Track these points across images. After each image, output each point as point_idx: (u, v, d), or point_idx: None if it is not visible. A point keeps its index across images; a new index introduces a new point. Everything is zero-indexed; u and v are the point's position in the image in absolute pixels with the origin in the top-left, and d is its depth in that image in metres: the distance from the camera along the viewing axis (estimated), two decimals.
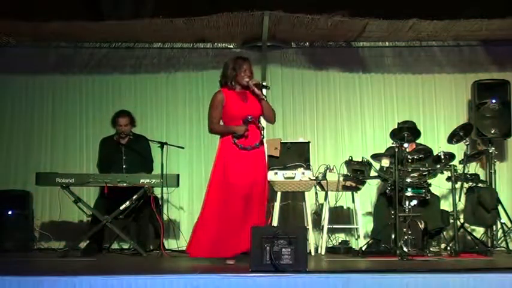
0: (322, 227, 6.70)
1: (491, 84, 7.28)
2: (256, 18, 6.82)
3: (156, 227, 6.50)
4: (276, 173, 6.58)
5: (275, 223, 6.36)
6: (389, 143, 6.48)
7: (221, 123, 5.38)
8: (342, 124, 7.69)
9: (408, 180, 6.08)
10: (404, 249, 5.79)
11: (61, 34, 7.33)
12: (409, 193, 6.02)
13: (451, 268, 4.76)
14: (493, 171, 7.16)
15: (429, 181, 6.36)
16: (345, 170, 6.50)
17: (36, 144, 7.63)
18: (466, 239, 6.99)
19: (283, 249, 4.30)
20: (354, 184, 6.56)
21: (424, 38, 7.53)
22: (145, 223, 6.63)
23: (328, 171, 6.54)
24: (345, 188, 6.62)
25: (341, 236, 7.21)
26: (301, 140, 7.08)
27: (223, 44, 7.76)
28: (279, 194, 6.58)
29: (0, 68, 7.59)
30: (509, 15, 6.67)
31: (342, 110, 7.71)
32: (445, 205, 6.84)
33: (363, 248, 6.22)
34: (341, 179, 6.48)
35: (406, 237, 5.87)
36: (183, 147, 6.96)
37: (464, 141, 6.61)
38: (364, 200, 7.15)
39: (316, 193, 6.75)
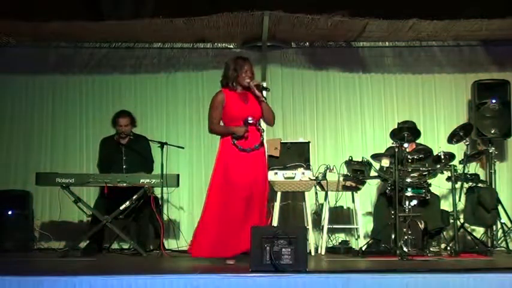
0: (322, 227, 6.70)
1: (491, 84, 7.28)
2: (256, 18, 6.82)
3: (156, 227, 6.50)
4: (276, 173, 6.58)
5: (275, 223, 6.36)
6: (389, 143, 6.48)
7: (221, 123, 5.38)
8: (342, 124, 7.69)
9: (408, 180, 6.08)
10: (404, 249, 5.79)
11: (61, 34, 7.33)
12: (409, 193, 6.02)
13: (451, 268, 4.76)
14: (493, 171, 7.16)
15: (429, 181, 6.36)
16: (345, 170, 6.50)
17: (36, 144, 7.63)
18: (466, 239, 6.99)
19: (283, 249, 4.30)
20: (354, 184, 6.56)
21: (424, 38, 7.53)
22: (145, 223, 6.63)
23: (328, 171, 6.54)
24: (345, 188, 6.62)
25: (341, 236, 7.21)
26: (301, 140, 7.08)
27: (223, 44, 7.76)
28: (279, 194, 6.59)
29: (0, 68, 7.59)
30: (509, 15, 6.67)
31: (342, 110, 7.71)
32: (445, 205, 6.84)
33: (363, 248, 6.21)
34: (341, 179, 6.48)
35: (406, 237, 5.87)
36: (183, 147, 6.97)
37: (464, 141, 6.61)
38: (364, 200, 7.15)
39: (316, 193, 6.75)
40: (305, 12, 6.70)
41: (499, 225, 6.87)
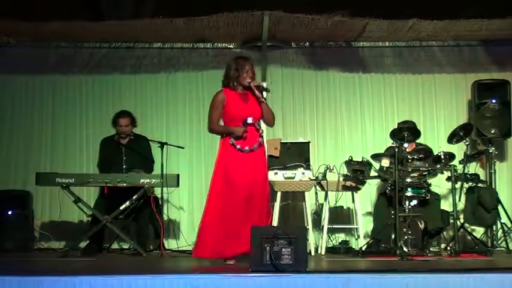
0: (322, 227, 6.70)
1: (491, 84, 7.28)
2: (256, 18, 6.82)
3: (156, 227, 6.50)
4: (276, 173, 6.58)
5: (275, 223, 6.36)
6: (389, 143, 6.48)
7: (222, 123, 5.38)
8: (342, 124, 7.69)
9: (408, 180, 6.08)
10: (404, 249, 5.79)
11: (61, 34, 7.33)
12: (409, 193, 6.02)
13: (451, 268, 4.76)
14: (493, 171, 7.16)
15: (429, 181, 6.36)
16: (345, 170, 6.50)
17: (36, 144, 7.63)
18: (466, 239, 6.99)
19: (283, 249, 4.30)
20: (354, 184, 6.56)
21: (424, 38, 7.53)
22: (145, 223, 6.63)
23: (328, 171, 6.54)
24: (345, 188, 6.62)
25: (341, 236, 7.21)
26: (301, 140, 7.08)
27: (223, 44, 7.76)
28: (279, 194, 6.59)
29: (0, 68, 7.59)
30: (509, 15, 6.67)
31: (342, 110, 7.71)
32: (445, 205, 6.84)
33: (363, 248, 6.21)
34: (341, 179, 6.48)
35: (406, 237, 5.87)
36: (183, 147, 6.97)
37: (464, 141, 6.61)
38: (364, 200, 7.15)
39: (316, 193, 6.75)
40: (305, 12, 6.70)
41: (499, 225, 6.87)
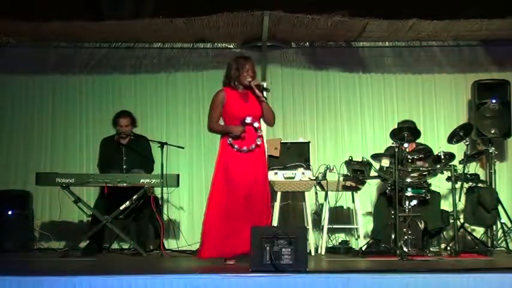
0: (322, 227, 6.70)
1: (491, 84, 7.28)
2: (256, 18, 6.82)
3: (156, 227, 6.50)
4: (276, 173, 6.58)
5: (275, 223, 6.36)
6: (389, 143, 6.48)
7: (222, 122, 5.39)
8: (342, 124, 7.69)
9: (408, 180, 6.08)
10: (404, 249, 5.79)
11: (61, 34, 7.33)
12: (409, 193, 6.02)
13: (451, 268, 4.76)
14: (493, 171, 7.16)
15: (429, 181, 6.36)
16: (345, 170, 6.50)
17: (36, 144, 7.63)
18: (466, 239, 7.00)
19: (283, 249, 4.30)
20: (354, 184, 6.56)
21: (424, 38, 7.53)
22: (145, 223, 6.63)
23: (328, 171, 6.54)
24: (345, 188, 6.62)
25: (341, 236, 7.21)
26: (301, 140, 7.08)
27: (223, 44, 7.76)
28: (279, 194, 6.59)
29: (0, 68, 7.59)
30: (509, 15, 6.67)
31: (342, 110, 7.71)
32: (445, 205, 6.84)
33: (363, 248, 6.21)
34: (341, 179, 6.48)
35: (406, 237, 5.87)
36: (183, 147, 6.97)
37: (464, 141, 6.60)
38: (364, 200, 7.15)
39: (316, 193, 6.75)
40: (305, 12, 6.70)
41: (499, 225, 6.87)
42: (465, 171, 6.58)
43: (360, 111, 7.69)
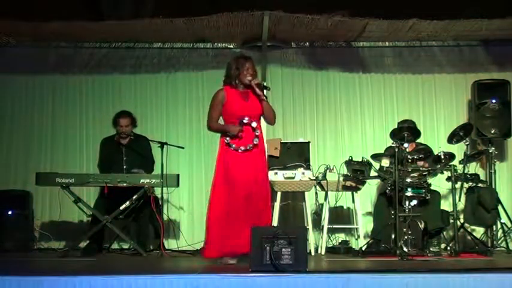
0: (322, 227, 6.70)
1: (491, 84, 7.28)
2: (256, 18, 6.81)
3: (156, 227, 6.50)
4: (276, 173, 6.58)
5: (275, 223, 6.36)
6: (389, 143, 6.47)
7: (222, 121, 5.39)
8: (342, 124, 7.69)
9: (408, 180, 6.08)
10: (404, 249, 5.79)
11: (61, 34, 7.33)
12: (409, 193, 6.02)
13: (451, 268, 4.76)
14: (493, 171, 7.16)
15: (429, 181, 6.36)
16: (345, 170, 6.50)
17: (36, 144, 7.63)
18: (466, 239, 6.99)
19: (283, 249, 4.29)
20: (354, 184, 6.56)
21: (424, 38, 7.53)
22: (145, 223, 6.63)
23: (328, 171, 6.54)
24: (345, 188, 6.62)
25: (341, 236, 7.21)
26: (301, 140, 7.08)
27: (223, 44, 7.76)
28: (279, 194, 6.59)
29: (0, 68, 7.59)
30: (509, 15, 6.67)
31: (342, 110, 7.71)
32: (445, 205, 6.84)
33: (363, 248, 6.21)
34: (341, 179, 6.48)
35: (406, 237, 5.87)
36: (183, 147, 6.97)
37: (464, 141, 6.61)
38: (364, 200, 7.15)
39: (316, 193, 6.75)
40: (305, 12, 6.70)
41: (499, 225, 6.88)
42: (465, 171, 6.58)
43: (360, 111, 7.69)
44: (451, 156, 6.32)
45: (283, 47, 7.67)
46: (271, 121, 5.48)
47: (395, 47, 7.76)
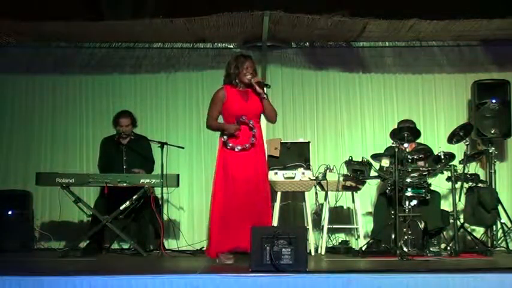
0: (322, 227, 6.70)
1: (491, 84, 7.28)
2: (256, 18, 6.81)
3: (156, 227, 6.49)
4: (276, 173, 6.58)
5: (275, 223, 6.36)
6: (390, 143, 6.47)
7: (222, 120, 5.39)
8: (342, 124, 7.69)
9: (408, 180, 6.08)
10: (404, 249, 5.79)
11: (61, 34, 7.33)
12: (409, 193, 6.02)
13: (451, 268, 4.76)
14: (493, 171, 7.16)
15: (429, 181, 6.36)
16: (345, 170, 6.49)
17: (36, 144, 7.63)
18: (466, 239, 7.00)
19: (283, 249, 4.30)
20: (354, 184, 6.56)
21: (424, 38, 7.53)
22: (145, 223, 6.63)
23: (328, 171, 6.53)
24: (345, 188, 6.62)
25: (341, 236, 7.21)
26: (301, 140, 7.08)
27: (223, 44, 7.75)
28: (279, 194, 6.59)
29: (0, 68, 7.59)
30: (509, 15, 6.67)
31: (342, 110, 7.71)
32: (445, 205, 6.84)
33: (363, 248, 6.21)
34: (341, 179, 6.47)
35: (406, 237, 5.87)
36: (183, 147, 6.96)
37: (464, 141, 6.60)
38: (364, 200, 7.15)
39: (316, 193, 6.74)
40: (305, 12, 6.70)
41: (499, 225, 6.87)
42: (465, 171, 6.57)
43: (360, 111, 7.69)
44: (451, 156, 6.32)
45: (283, 47, 7.67)
46: (272, 119, 5.48)
47: (395, 47, 7.76)
